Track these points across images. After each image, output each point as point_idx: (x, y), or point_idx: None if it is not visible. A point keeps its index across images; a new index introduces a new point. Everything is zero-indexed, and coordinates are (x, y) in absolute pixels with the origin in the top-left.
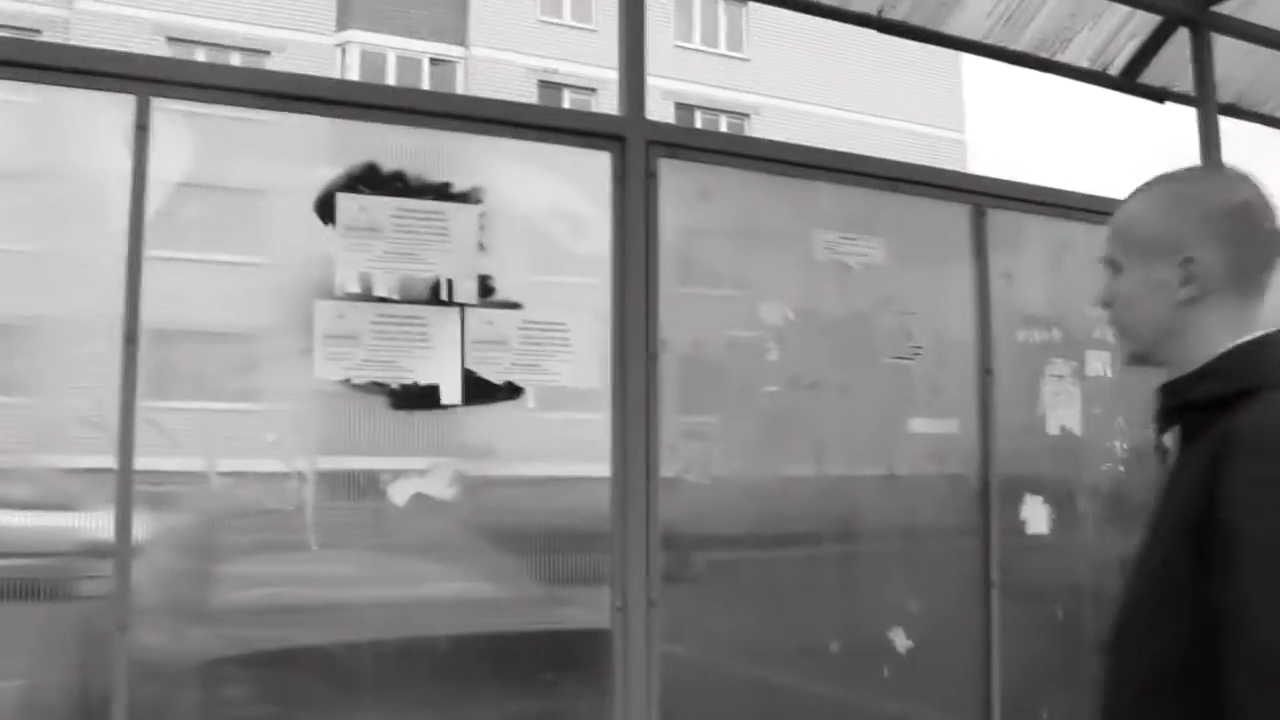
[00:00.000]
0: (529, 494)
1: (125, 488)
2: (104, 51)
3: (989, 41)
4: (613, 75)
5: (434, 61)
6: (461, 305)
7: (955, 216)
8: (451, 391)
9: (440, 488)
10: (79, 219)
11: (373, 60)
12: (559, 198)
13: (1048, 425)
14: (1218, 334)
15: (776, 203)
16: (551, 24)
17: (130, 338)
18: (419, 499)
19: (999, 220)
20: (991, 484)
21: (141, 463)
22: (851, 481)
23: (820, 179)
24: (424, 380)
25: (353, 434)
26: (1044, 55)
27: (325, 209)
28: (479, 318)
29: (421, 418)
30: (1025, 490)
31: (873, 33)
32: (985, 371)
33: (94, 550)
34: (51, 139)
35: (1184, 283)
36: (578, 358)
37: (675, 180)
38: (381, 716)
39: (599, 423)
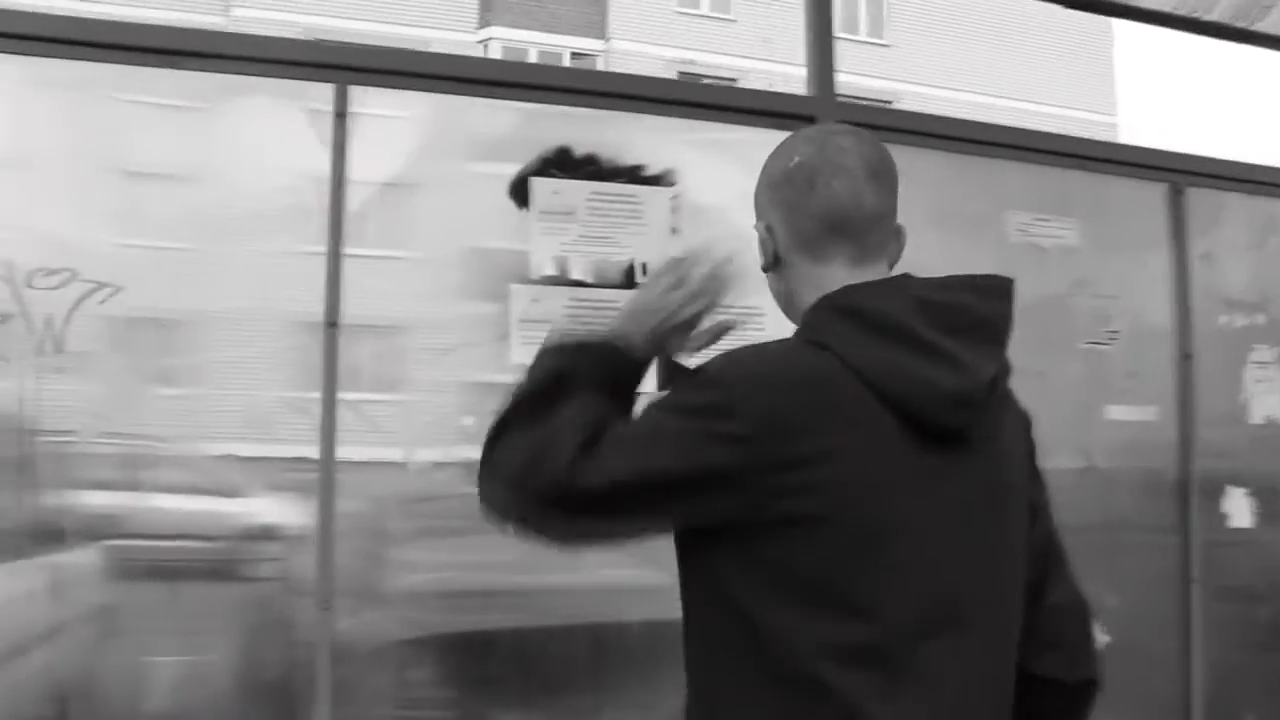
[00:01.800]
0: None
1: (328, 473)
2: (303, 41)
3: (1180, 13)
4: (750, 65)
5: (574, 55)
6: None
7: (1151, 195)
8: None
9: None
10: (277, 212)
11: (514, 56)
12: (751, 180)
13: (1250, 414)
14: (803, 298)
15: (967, 184)
16: (690, 15)
17: (332, 321)
18: None
19: (1198, 199)
20: (1192, 475)
21: (342, 452)
22: (1047, 472)
23: (1011, 158)
24: None
25: None
26: (1240, 25)
27: (519, 193)
28: None
29: None
30: (1227, 482)
31: (1017, 16)
32: (1185, 357)
33: (290, 534)
34: (250, 130)
35: (762, 250)
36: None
37: None
38: (561, 701)
39: None
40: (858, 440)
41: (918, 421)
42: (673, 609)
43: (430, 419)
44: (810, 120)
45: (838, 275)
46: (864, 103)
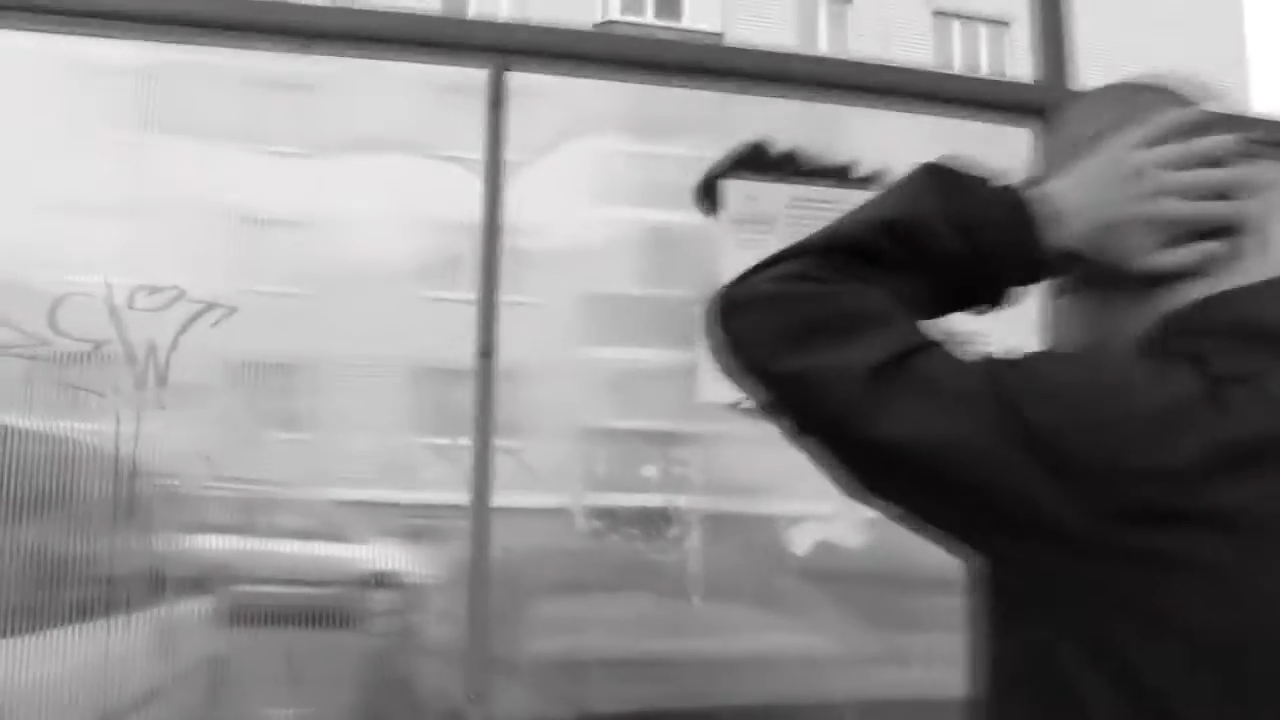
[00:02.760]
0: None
1: (482, 520)
2: (455, 19)
3: None
4: (865, 47)
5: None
6: None
7: None
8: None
9: (847, 533)
10: (408, 258)
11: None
12: None
13: None
14: (1131, 324)
15: None
16: None
17: (485, 352)
18: (824, 549)
19: None
20: None
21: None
22: None
23: None
24: None
25: (743, 468)
26: None
27: (707, 197)
28: None
29: None
30: None
31: None
32: None
33: (417, 583)
34: (383, 177)
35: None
36: None
37: None
38: None
39: None
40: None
41: None
42: (869, 684)
43: (607, 465)
44: (1039, 113)
45: (1192, 283)
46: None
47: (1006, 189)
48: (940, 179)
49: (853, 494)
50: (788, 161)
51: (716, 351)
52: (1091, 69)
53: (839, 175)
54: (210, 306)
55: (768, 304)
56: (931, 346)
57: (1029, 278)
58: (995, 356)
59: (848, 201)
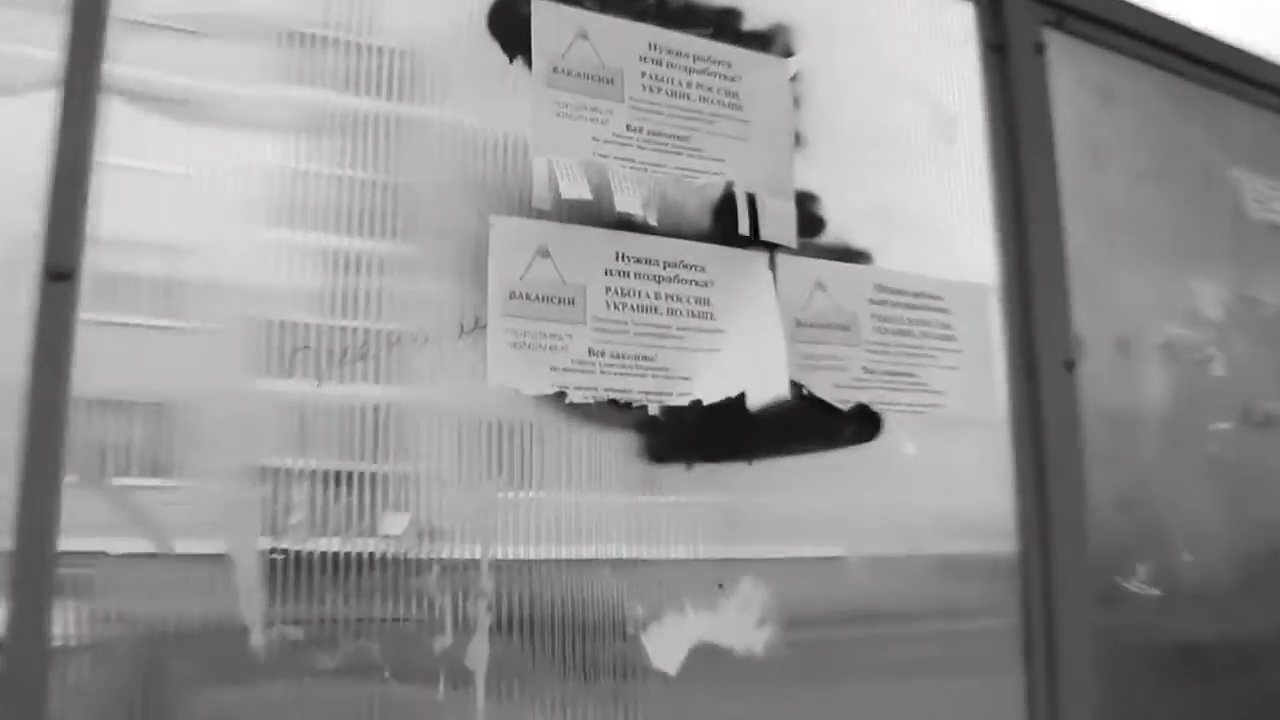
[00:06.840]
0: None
1: (37, 571)
2: None
3: None
4: None
5: None
6: (771, 247)
7: None
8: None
9: (747, 628)
10: None
11: None
12: (904, 70)
13: None
14: None
15: (1191, 126)
16: None
17: (61, 272)
18: (709, 656)
19: None
20: None
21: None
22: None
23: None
24: (710, 395)
25: (569, 506)
26: None
27: (507, 28)
28: (801, 273)
29: (705, 477)
30: None
31: None
32: None
33: None
34: None
35: None
36: (968, 362)
37: (1066, 68)
38: None
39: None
40: None
41: None
42: None
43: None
44: None
45: None
46: None
47: None
48: None
49: None
50: None
51: None
52: None
53: (718, 24)
54: None
55: None
56: None
57: None
58: None
59: (733, 66)
